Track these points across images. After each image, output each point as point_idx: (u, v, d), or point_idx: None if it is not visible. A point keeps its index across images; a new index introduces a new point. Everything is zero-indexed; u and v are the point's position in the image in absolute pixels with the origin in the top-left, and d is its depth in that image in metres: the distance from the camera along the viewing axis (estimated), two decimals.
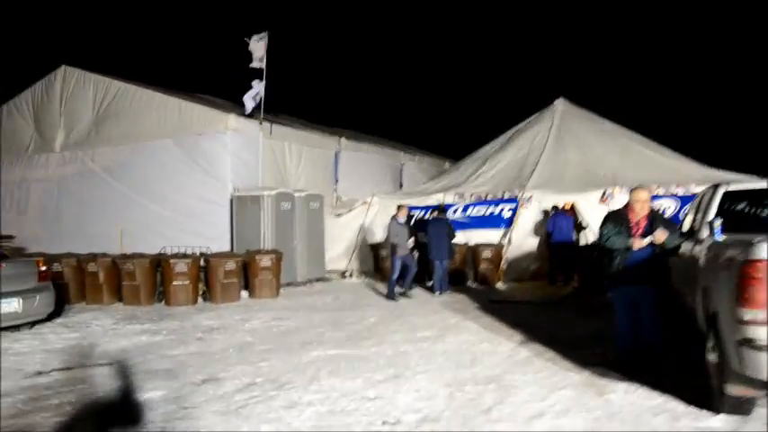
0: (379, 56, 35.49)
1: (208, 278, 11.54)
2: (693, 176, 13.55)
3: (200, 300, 11.66)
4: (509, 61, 34.93)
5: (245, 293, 12.17)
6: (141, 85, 15.98)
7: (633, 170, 14.47)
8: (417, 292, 12.63)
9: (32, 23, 29.29)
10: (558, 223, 13.15)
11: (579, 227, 13.35)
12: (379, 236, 15.37)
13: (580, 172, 15.10)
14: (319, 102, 25.69)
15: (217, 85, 18.77)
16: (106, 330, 9.01)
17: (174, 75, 23.22)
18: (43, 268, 9.08)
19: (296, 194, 14.14)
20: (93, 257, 11.76)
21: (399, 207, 12.07)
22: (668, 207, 12.80)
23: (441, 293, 11.85)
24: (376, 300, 11.67)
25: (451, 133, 29.91)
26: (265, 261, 11.99)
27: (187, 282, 11.27)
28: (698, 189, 12.25)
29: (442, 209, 12.92)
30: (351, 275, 15.10)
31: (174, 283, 11.20)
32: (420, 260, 12.73)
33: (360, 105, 29.88)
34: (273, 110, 16.91)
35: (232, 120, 14.40)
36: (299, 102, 21.69)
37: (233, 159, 14.38)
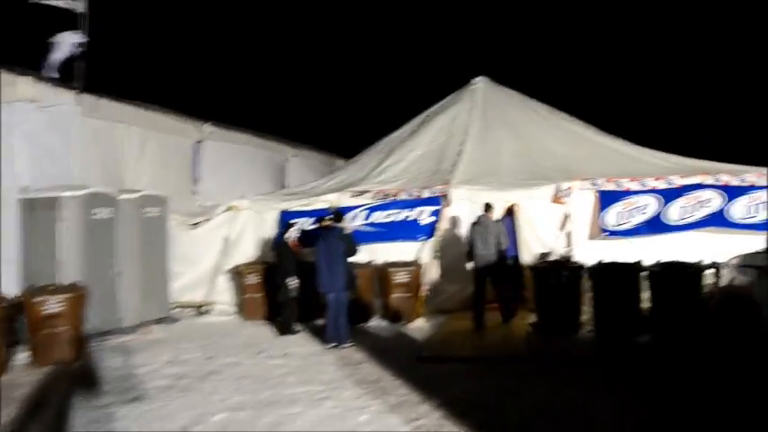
0: (245, 36, 28.07)
1: None
2: (674, 167, 10.66)
3: None
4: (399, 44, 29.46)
5: (25, 357, 7.57)
6: None
7: (590, 161, 11.47)
8: (302, 339, 8.57)
9: None
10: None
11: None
12: (249, 253, 11.07)
13: (520, 162, 11.77)
14: (176, 88, 19.75)
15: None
16: None
17: None
18: None
19: (121, 196, 9.54)
20: None
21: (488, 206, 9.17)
22: (647, 204, 9.81)
23: (338, 346, 7.82)
24: (236, 358, 7.45)
25: (344, 128, 24.95)
26: (52, 305, 7.39)
27: None
28: (684, 181, 9.80)
29: (338, 214, 8.84)
30: (209, 311, 10.69)
31: None
32: (306, 291, 8.72)
33: (227, 94, 23.67)
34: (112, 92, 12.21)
35: (25, 84, 9.58)
36: (146, 88, 16.29)
37: (29, 144, 9.57)
